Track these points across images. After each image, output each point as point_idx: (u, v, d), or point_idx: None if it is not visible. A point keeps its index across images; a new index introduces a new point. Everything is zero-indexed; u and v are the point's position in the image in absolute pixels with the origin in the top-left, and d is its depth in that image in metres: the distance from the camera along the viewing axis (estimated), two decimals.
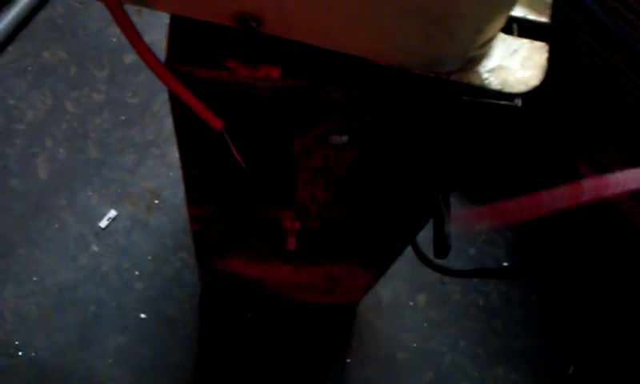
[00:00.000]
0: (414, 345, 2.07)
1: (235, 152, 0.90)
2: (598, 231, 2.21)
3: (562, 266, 2.22)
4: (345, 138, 0.86)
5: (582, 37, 1.75)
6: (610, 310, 2.16)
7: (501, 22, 0.71)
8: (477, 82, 0.78)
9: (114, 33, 2.27)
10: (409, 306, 2.11)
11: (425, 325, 2.09)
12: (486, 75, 0.78)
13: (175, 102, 0.84)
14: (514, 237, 2.22)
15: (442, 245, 1.09)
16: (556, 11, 0.84)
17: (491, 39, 0.75)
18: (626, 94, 1.79)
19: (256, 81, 0.80)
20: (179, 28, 0.80)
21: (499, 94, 0.79)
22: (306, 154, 0.93)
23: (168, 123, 2.19)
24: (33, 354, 1.91)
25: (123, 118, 2.18)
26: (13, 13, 2.18)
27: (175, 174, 2.14)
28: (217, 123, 0.84)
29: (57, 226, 2.04)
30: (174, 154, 2.15)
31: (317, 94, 0.81)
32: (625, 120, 1.88)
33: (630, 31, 1.59)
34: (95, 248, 2.04)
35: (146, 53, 0.73)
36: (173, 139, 2.17)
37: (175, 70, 0.77)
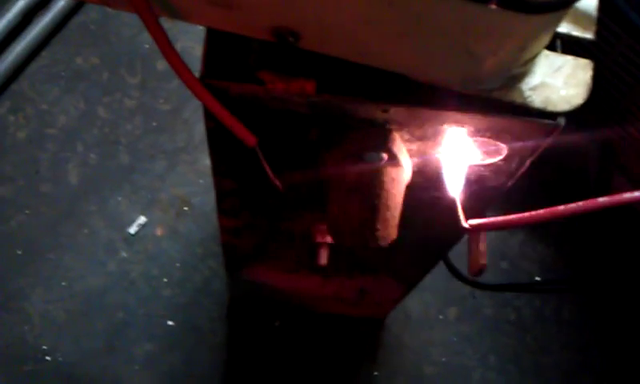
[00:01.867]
0: (443, 359, 2.04)
1: (268, 169, 0.89)
2: (633, 246, 2.17)
3: (596, 281, 2.18)
4: (382, 156, 0.84)
5: (620, 49, 1.71)
6: None
7: (545, 40, 0.69)
8: (519, 99, 0.76)
9: (147, 39, 2.27)
10: (438, 320, 2.08)
11: (454, 339, 2.06)
12: (528, 93, 0.76)
13: (209, 115, 0.83)
14: (548, 250, 2.18)
15: (477, 262, 1.06)
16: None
17: (534, 57, 0.73)
18: None
19: (291, 95, 0.78)
20: (215, 41, 0.79)
21: (542, 113, 0.77)
22: (340, 170, 0.92)
23: (199, 130, 2.19)
24: (60, 359, 1.91)
25: (154, 124, 2.18)
26: (46, 18, 2.20)
27: (205, 181, 2.13)
28: (250, 139, 0.82)
29: (86, 231, 2.05)
30: (205, 162, 2.15)
31: (354, 109, 0.79)
32: None
33: None
34: (124, 254, 2.04)
35: (180, 67, 0.72)
36: (203, 146, 2.17)
37: (209, 85, 0.76)
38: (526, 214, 0.87)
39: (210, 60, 0.78)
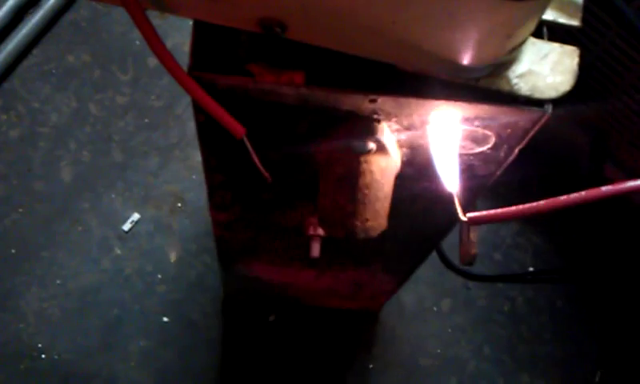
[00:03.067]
0: (438, 351, 2.05)
1: (257, 160, 0.89)
2: (626, 236, 2.17)
3: (589, 271, 2.18)
4: (371, 145, 0.84)
5: (610, 38, 1.72)
6: (637, 315, 2.12)
7: (531, 26, 0.69)
8: (506, 87, 0.76)
9: (138, 36, 2.26)
10: (432, 312, 2.08)
11: (449, 330, 2.07)
12: (515, 81, 0.76)
13: (198, 108, 0.83)
14: (541, 241, 2.19)
15: (468, 252, 1.07)
16: (584, 12, 0.81)
17: (521, 44, 0.73)
18: None
19: (280, 87, 0.78)
20: (202, 33, 0.79)
21: (529, 100, 0.77)
22: (330, 161, 0.92)
23: (191, 126, 2.18)
24: (56, 356, 1.91)
25: (147, 121, 2.18)
26: (37, 16, 2.19)
27: (198, 177, 2.13)
28: (239, 130, 0.82)
29: (80, 228, 2.05)
30: (198, 158, 2.14)
31: (342, 100, 0.79)
32: None
33: None
34: (118, 251, 2.04)
35: (167, 58, 0.72)
36: (196, 142, 2.15)
37: (197, 77, 0.76)
38: (526, 206, 0.85)
39: (197, 52, 0.78)
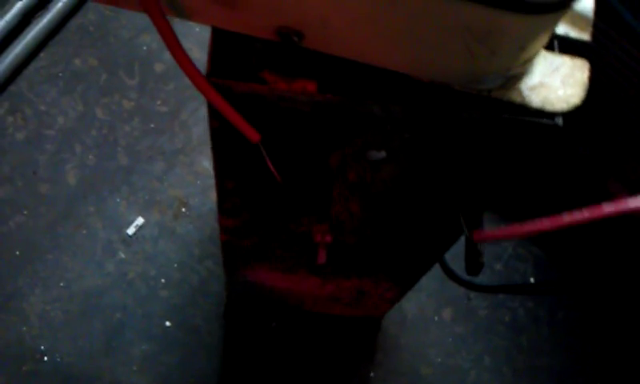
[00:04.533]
0: (439, 360, 2.05)
1: (270, 165, 0.90)
2: (625, 248, 2.19)
3: (589, 283, 2.19)
4: (383, 154, 0.85)
5: (614, 51, 1.73)
6: (636, 327, 2.13)
7: (544, 40, 0.71)
8: (518, 99, 0.78)
9: (145, 41, 2.29)
10: (434, 321, 2.09)
11: (450, 340, 2.08)
12: (527, 93, 0.78)
13: (214, 114, 0.84)
14: (542, 253, 2.20)
15: (474, 262, 1.08)
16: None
17: (533, 57, 0.75)
18: None
19: (295, 95, 0.80)
20: (220, 40, 0.80)
21: (540, 112, 0.79)
22: (342, 168, 0.93)
23: (197, 132, 2.20)
24: (58, 359, 1.92)
25: (152, 125, 2.20)
26: (45, 19, 2.21)
27: (203, 182, 2.14)
28: (254, 136, 0.84)
29: (85, 232, 2.06)
30: (202, 163, 2.16)
31: (356, 109, 0.81)
32: None
33: None
34: (122, 255, 2.05)
35: (188, 65, 0.73)
36: (201, 148, 2.19)
37: (215, 83, 0.77)
38: (531, 225, 0.87)
39: (215, 59, 0.79)
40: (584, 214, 0.82)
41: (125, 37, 2.30)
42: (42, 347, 1.92)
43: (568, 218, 0.84)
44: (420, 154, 0.90)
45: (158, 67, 2.26)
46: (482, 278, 2.02)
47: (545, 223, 0.86)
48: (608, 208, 0.81)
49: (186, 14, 0.74)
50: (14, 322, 1.94)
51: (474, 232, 0.99)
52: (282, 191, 1.03)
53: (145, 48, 2.28)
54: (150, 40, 2.29)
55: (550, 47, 0.81)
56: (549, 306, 2.15)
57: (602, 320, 2.15)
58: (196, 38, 2.13)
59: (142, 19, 2.22)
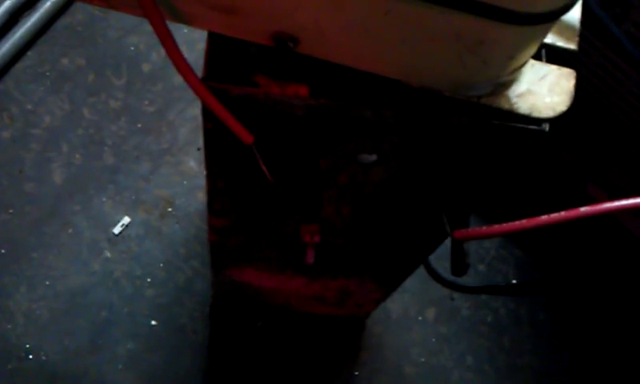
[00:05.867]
0: (422, 359, 2.08)
1: (263, 166, 0.92)
2: (605, 250, 2.22)
3: (570, 285, 2.23)
4: (373, 157, 0.87)
5: (597, 59, 1.77)
6: (617, 329, 2.17)
7: (533, 49, 0.73)
8: (506, 106, 0.80)
9: (133, 41, 2.29)
10: (417, 321, 2.12)
11: (433, 340, 2.11)
12: (515, 100, 0.80)
13: (208, 116, 0.86)
14: (524, 254, 2.23)
15: (460, 263, 1.10)
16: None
17: (522, 65, 0.77)
18: (639, 117, 1.81)
19: (289, 99, 0.81)
20: (216, 45, 0.82)
21: (527, 119, 0.81)
22: (334, 171, 0.95)
23: (183, 132, 2.21)
24: (43, 357, 1.92)
25: (139, 125, 2.20)
26: (33, 19, 2.21)
27: (189, 182, 2.15)
28: (247, 138, 0.85)
29: (70, 231, 2.06)
30: (189, 163, 2.17)
31: (348, 113, 0.83)
32: (636, 143, 1.89)
33: None
34: (108, 254, 2.06)
35: (185, 68, 0.75)
36: (188, 148, 2.20)
37: (211, 87, 0.79)
38: (510, 224, 0.91)
39: (211, 63, 0.81)
40: (560, 215, 0.86)
41: (112, 37, 2.31)
42: (28, 345, 1.93)
43: (545, 218, 0.87)
44: (410, 158, 0.92)
45: (146, 67, 2.27)
46: (465, 279, 2.06)
47: (523, 223, 0.90)
48: (583, 209, 0.85)
49: (185, 19, 0.76)
50: None
51: (456, 231, 1.02)
52: (273, 192, 1.05)
53: (132, 48, 2.29)
54: (138, 40, 2.30)
55: (537, 56, 0.83)
56: (530, 307, 2.18)
57: (582, 320, 2.18)
58: (184, 39, 2.14)
59: (130, 20, 2.23)
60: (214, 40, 0.82)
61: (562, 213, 0.86)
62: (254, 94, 0.82)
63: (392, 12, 0.66)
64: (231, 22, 0.74)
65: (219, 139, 0.93)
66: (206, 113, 0.86)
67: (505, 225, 0.92)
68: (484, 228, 0.98)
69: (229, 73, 0.81)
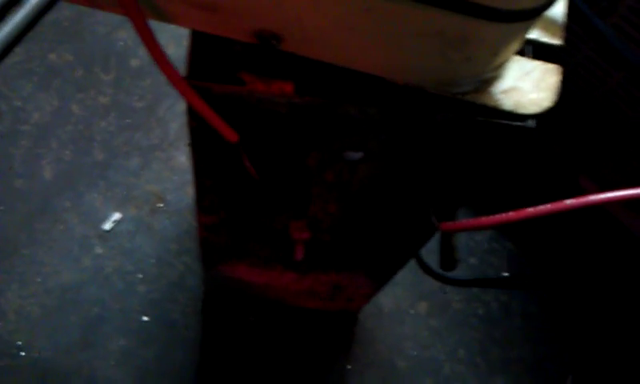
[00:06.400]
0: (414, 353, 2.08)
1: (248, 164, 0.92)
2: (597, 244, 2.23)
3: (561, 278, 2.23)
4: (359, 154, 0.87)
5: (585, 52, 1.77)
6: (608, 321, 2.18)
7: (517, 45, 0.73)
8: (490, 102, 0.80)
9: (121, 37, 2.29)
10: (409, 314, 2.12)
11: (425, 333, 2.11)
12: (499, 96, 0.80)
13: (193, 115, 0.86)
14: (515, 247, 2.24)
15: (449, 258, 1.10)
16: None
17: (506, 61, 0.77)
18: (628, 109, 1.81)
19: (274, 97, 0.81)
20: (199, 43, 0.81)
21: (512, 115, 0.81)
22: (320, 169, 0.95)
23: (173, 127, 2.20)
24: (35, 354, 1.92)
25: (129, 121, 2.20)
26: (20, 14, 2.20)
27: (180, 178, 2.15)
28: (232, 136, 0.85)
29: (61, 227, 2.05)
30: (179, 158, 2.17)
31: (334, 111, 0.82)
32: (627, 135, 1.89)
33: (635, 49, 1.60)
34: (99, 250, 2.05)
35: (167, 66, 0.74)
36: (178, 143, 2.20)
37: (195, 85, 0.79)
38: (496, 216, 0.91)
39: (194, 61, 0.80)
40: (547, 207, 0.86)
41: (100, 32, 2.30)
42: (19, 342, 1.92)
43: (532, 210, 0.88)
44: (396, 155, 0.92)
45: (134, 63, 2.26)
46: (456, 273, 2.06)
47: (510, 215, 0.90)
48: (569, 202, 0.85)
49: (167, 18, 0.75)
50: None
51: (442, 223, 1.02)
52: (260, 190, 1.05)
53: (121, 43, 2.28)
54: (126, 36, 2.29)
55: (522, 52, 0.83)
56: (522, 300, 2.19)
57: (573, 313, 2.19)
58: (171, 34, 2.10)
59: (118, 15, 2.21)
60: (196, 38, 0.82)
61: (549, 205, 0.87)
62: (238, 92, 0.81)
63: (373, 10, 0.65)
64: (213, 20, 0.74)
65: (205, 138, 0.92)
66: (191, 111, 0.85)
67: (492, 217, 0.92)
68: (471, 220, 0.98)
69: (212, 71, 0.81)
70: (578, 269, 2.23)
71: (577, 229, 2.21)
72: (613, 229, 2.22)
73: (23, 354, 1.91)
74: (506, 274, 2.21)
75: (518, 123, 0.82)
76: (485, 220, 0.93)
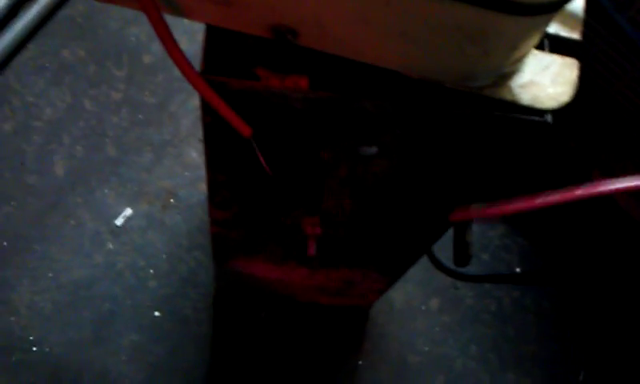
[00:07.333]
0: (426, 349, 2.08)
1: (262, 159, 0.91)
2: (610, 240, 2.21)
3: (574, 274, 2.22)
4: (374, 149, 0.86)
5: (601, 46, 1.75)
6: (620, 316, 2.17)
7: (536, 39, 0.72)
8: (508, 97, 0.79)
9: (134, 32, 2.28)
10: (421, 310, 2.11)
11: (437, 329, 2.10)
12: (517, 91, 0.79)
13: (207, 110, 0.85)
14: (528, 243, 2.23)
15: (463, 253, 1.09)
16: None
17: (524, 56, 0.76)
18: None
19: (289, 92, 0.81)
20: (214, 37, 0.81)
21: (530, 110, 0.80)
22: (334, 164, 0.94)
23: (185, 123, 2.20)
24: (47, 349, 1.92)
25: (141, 117, 2.20)
26: (34, 10, 2.20)
27: (191, 173, 2.15)
28: (246, 131, 0.85)
29: (73, 223, 2.06)
30: (191, 154, 2.17)
31: (349, 105, 0.82)
32: None
33: None
34: (111, 246, 2.05)
35: (182, 61, 0.74)
36: (189, 139, 2.19)
37: (210, 80, 0.78)
38: (504, 206, 0.90)
39: (209, 56, 0.80)
40: (555, 197, 0.85)
41: (113, 28, 2.30)
42: (31, 338, 1.93)
43: (540, 200, 0.87)
44: (411, 150, 0.92)
45: (147, 58, 2.25)
46: (468, 268, 2.05)
47: (519, 204, 0.89)
48: (579, 191, 0.84)
49: (182, 12, 0.75)
50: (3, 312, 1.94)
51: (451, 214, 1.02)
52: (273, 185, 1.04)
53: (133, 39, 2.28)
54: (139, 31, 2.29)
55: (540, 46, 0.82)
56: (534, 296, 2.18)
57: (585, 309, 2.18)
58: (184, 29, 2.12)
59: (130, 10, 2.21)
60: (211, 32, 0.81)
61: (558, 194, 0.86)
62: (253, 87, 0.81)
63: (391, 3, 0.65)
64: (229, 15, 0.73)
65: (218, 132, 0.92)
66: (205, 106, 0.85)
67: (498, 207, 0.92)
68: (481, 210, 0.98)
69: (227, 65, 0.80)
70: (591, 265, 2.21)
71: (589, 225, 2.20)
72: (625, 225, 2.21)
73: (35, 349, 1.92)
74: (519, 270, 2.20)
75: (536, 118, 0.81)
76: (494, 210, 0.93)
